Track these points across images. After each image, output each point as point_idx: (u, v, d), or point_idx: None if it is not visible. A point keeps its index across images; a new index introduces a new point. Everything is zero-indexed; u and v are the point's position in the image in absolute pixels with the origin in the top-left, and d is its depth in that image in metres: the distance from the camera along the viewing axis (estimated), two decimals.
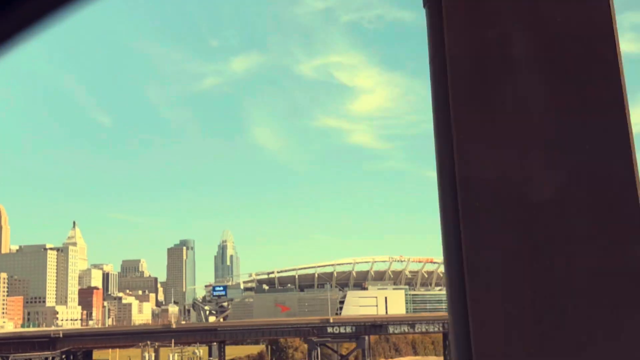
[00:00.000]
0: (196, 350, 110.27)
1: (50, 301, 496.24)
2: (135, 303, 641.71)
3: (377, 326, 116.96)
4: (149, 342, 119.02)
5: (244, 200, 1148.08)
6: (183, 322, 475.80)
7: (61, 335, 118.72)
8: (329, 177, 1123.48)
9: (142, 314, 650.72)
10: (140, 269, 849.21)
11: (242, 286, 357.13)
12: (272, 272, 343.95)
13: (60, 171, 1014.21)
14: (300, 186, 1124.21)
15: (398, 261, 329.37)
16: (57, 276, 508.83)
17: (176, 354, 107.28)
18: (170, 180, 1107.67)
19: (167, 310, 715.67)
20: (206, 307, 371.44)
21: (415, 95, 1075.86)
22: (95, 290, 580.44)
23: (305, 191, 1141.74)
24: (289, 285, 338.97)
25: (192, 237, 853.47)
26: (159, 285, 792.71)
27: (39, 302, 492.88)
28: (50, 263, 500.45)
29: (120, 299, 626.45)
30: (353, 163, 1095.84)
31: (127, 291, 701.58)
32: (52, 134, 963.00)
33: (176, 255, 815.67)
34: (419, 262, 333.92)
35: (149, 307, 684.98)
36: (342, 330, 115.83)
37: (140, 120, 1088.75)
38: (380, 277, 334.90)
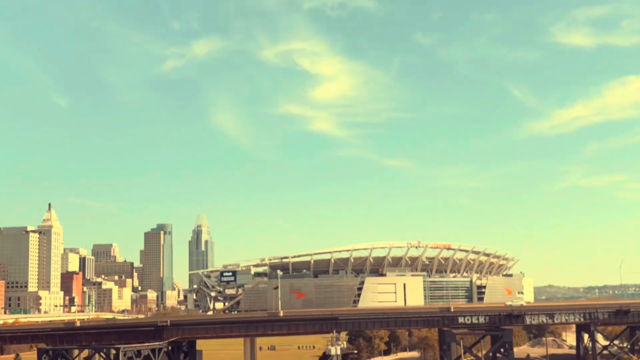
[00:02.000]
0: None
1: (32, 286, 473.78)
2: (115, 289, 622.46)
3: (514, 316, 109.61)
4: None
5: (212, 185, 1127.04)
6: (181, 309, 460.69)
7: (168, 324, 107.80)
8: (291, 164, 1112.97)
9: (122, 300, 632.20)
10: (112, 254, 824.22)
11: (252, 271, 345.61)
12: (286, 257, 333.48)
13: (22, 152, 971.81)
14: (264, 172, 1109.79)
15: (415, 247, 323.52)
16: (38, 260, 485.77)
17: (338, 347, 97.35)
18: (132, 165, 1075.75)
19: (145, 296, 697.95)
20: (212, 293, 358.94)
21: (377, 84, 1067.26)
22: (74, 275, 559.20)
23: (270, 178, 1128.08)
24: (304, 271, 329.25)
25: (168, 222, 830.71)
26: (134, 270, 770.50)
27: (21, 287, 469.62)
28: (32, 246, 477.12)
29: (100, 284, 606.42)
30: (314, 150, 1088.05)
31: (103, 276, 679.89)
32: (3, 113, 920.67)
33: (153, 239, 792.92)
34: (437, 248, 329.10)
35: (128, 292, 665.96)
36: (474, 320, 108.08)
37: (98, 102, 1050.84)
38: (396, 263, 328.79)
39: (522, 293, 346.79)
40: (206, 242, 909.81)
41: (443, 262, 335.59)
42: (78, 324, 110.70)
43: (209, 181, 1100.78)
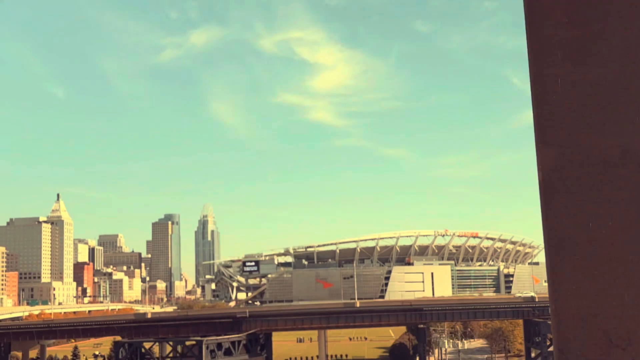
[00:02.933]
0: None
1: (45, 277, 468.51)
2: (125, 279, 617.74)
3: None
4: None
5: (214, 175, 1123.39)
6: (201, 299, 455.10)
7: (247, 315, 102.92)
8: (291, 154, 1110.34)
9: (132, 290, 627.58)
10: (118, 244, 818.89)
11: (276, 261, 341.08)
12: (311, 247, 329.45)
13: (20, 143, 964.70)
14: (264, 162, 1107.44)
15: (442, 235, 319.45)
16: (50, 251, 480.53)
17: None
18: (130, 155, 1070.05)
19: (155, 287, 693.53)
20: (234, 284, 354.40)
21: (375, 73, 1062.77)
22: (85, 266, 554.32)
23: (270, 167, 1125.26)
24: (330, 260, 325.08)
25: (175, 212, 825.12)
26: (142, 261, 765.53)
27: (34, 278, 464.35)
28: (45, 237, 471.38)
29: (110, 274, 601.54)
30: (312, 139, 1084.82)
31: (111, 267, 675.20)
32: (2, 103, 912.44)
33: (161, 230, 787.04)
34: (464, 236, 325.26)
35: (138, 283, 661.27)
36: None
37: (95, 92, 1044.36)
38: (423, 251, 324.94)
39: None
40: (212, 232, 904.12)
41: (470, 250, 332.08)
42: (149, 315, 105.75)
43: (211, 171, 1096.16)
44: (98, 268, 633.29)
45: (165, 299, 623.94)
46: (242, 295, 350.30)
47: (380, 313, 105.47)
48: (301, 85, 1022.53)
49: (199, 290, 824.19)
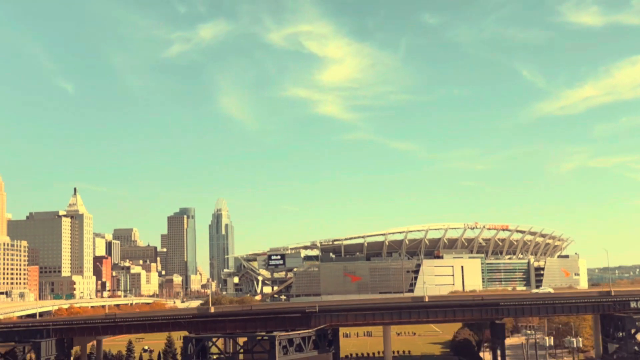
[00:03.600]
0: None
1: (65, 271, 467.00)
2: (143, 273, 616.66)
3: None
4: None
5: (225, 170, 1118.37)
6: (224, 294, 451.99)
7: (317, 310, 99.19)
8: (298, 148, 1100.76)
9: (149, 284, 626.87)
10: (132, 238, 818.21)
11: (302, 254, 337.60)
12: (338, 240, 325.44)
13: (32, 138, 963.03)
14: (273, 156, 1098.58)
15: (472, 228, 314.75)
16: (70, 244, 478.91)
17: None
18: (140, 150, 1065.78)
19: (171, 281, 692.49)
20: (259, 277, 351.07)
21: (384, 67, 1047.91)
22: (104, 260, 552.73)
23: (280, 162, 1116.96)
24: (357, 253, 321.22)
25: (191, 205, 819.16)
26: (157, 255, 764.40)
27: (54, 272, 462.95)
28: (65, 231, 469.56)
29: (128, 268, 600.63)
30: (322, 134, 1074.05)
31: (127, 261, 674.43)
32: (13, 98, 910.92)
33: (176, 224, 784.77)
34: (493, 229, 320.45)
35: (155, 277, 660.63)
36: None
37: (105, 87, 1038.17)
38: (452, 244, 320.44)
39: (578, 275, 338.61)
40: (226, 226, 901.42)
41: (500, 243, 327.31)
42: (212, 310, 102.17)
43: (222, 166, 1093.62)
44: (115, 262, 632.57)
45: (182, 293, 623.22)
46: (267, 289, 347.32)
47: (454, 308, 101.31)
48: (310, 79, 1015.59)
49: (213, 284, 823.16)
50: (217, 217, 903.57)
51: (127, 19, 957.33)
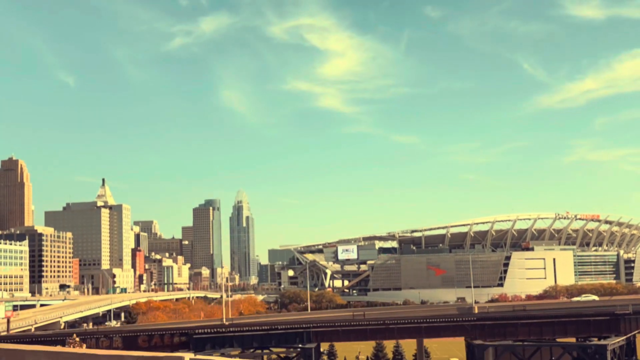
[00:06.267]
0: None
1: (105, 263, 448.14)
2: (174, 266, 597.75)
3: None
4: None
5: (238, 162, 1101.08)
6: (265, 287, 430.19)
7: (631, 312, 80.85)
8: (303, 141, 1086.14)
9: (180, 277, 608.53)
10: (153, 231, 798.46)
11: (377, 246, 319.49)
12: (417, 231, 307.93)
13: (42, 132, 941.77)
14: (277, 148, 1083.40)
15: (562, 218, 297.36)
16: (109, 236, 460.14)
17: None
18: (148, 142, 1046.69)
19: (200, 274, 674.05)
20: (327, 271, 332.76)
21: (385, 60, 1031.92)
22: (137, 252, 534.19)
23: (283, 153, 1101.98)
24: (440, 245, 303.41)
25: (216, 197, 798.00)
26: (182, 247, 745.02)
27: (94, 264, 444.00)
28: (104, 222, 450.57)
29: (160, 261, 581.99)
30: (323, 127, 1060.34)
31: (153, 253, 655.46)
32: (15, 92, 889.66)
33: (202, 216, 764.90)
34: (584, 219, 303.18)
35: (185, 269, 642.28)
36: None
37: (106, 80, 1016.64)
38: (539, 235, 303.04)
39: None
40: (247, 218, 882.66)
41: (589, 234, 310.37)
42: (476, 310, 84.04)
43: (224, 158, 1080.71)
44: (147, 255, 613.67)
45: (208, 286, 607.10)
46: (338, 283, 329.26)
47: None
48: (311, 72, 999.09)
49: (237, 277, 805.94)
50: (238, 209, 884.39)
51: (128, 12, 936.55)
